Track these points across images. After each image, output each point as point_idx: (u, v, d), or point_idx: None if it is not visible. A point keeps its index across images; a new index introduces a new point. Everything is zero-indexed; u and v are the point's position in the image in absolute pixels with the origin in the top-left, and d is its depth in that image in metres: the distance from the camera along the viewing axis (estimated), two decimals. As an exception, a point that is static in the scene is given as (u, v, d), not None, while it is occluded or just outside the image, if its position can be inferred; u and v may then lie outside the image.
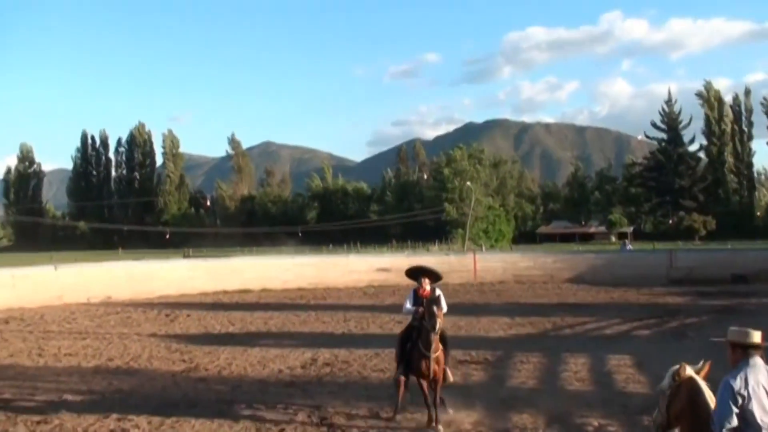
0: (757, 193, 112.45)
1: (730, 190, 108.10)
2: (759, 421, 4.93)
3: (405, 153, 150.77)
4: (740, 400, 4.97)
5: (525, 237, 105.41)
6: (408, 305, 11.03)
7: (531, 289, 31.34)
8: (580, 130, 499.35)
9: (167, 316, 24.44)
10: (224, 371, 14.78)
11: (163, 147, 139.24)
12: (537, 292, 30.41)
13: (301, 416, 10.95)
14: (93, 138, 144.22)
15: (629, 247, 54.56)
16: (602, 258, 38.70)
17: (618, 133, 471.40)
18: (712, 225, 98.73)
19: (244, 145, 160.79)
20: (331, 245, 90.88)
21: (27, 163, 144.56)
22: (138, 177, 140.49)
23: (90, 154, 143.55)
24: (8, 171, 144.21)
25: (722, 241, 78.30)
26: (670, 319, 21.45)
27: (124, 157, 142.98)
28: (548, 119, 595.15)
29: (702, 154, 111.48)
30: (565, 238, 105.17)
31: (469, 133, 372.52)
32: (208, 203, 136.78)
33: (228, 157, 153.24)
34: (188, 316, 24.36)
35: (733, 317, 20.34)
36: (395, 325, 21.02)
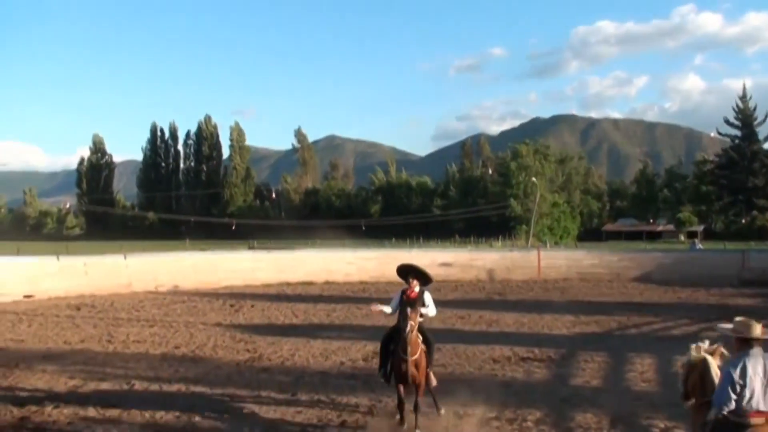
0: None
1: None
2: (755, 405, 5.70)
3: (469, 148, 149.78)
4: (738, 388, 5.68)
5: (590, 234, 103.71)
6: (391, 306, 10.75)
7: (596, 288, 30.83)
8: (650, 126, 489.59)
9: (232, 306, 24.84)
10: (287, 362, 14.93)
11: (230, 140, 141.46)
12: (602, 290, 29.90)
13: (362, 409, 11.00)
14: (162, 130, 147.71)
15: (699, 246, 53.15)
16: (670, 257, 37.80)
17: (689, 129, 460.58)
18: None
19: (310, 139, 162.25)
20: (393, 239, 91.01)
21: (99, 154, 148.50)
22: (205, 169, 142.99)
23: (159, 146, 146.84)
24: (81, 162, 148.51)
25: (797, 241, 75.77)
26: (741, 321, 20.81)
27: (192, 150, 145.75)
28: (616, 115, 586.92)
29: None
30: (632, 236, 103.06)
31: (534, 128, 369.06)
32: (274, 195, 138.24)
33: (293, 150, 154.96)
34: (252, 306, 24.72)
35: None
36: (457, 320, 21.02)
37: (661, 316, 21.80)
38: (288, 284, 32.13)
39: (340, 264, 34.75)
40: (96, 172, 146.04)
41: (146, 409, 10.98)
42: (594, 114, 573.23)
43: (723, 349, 6.92)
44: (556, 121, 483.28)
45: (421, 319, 9.88)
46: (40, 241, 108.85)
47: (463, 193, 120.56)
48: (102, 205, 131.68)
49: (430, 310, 10.29)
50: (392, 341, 10.15)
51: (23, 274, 27.24)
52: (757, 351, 5.80)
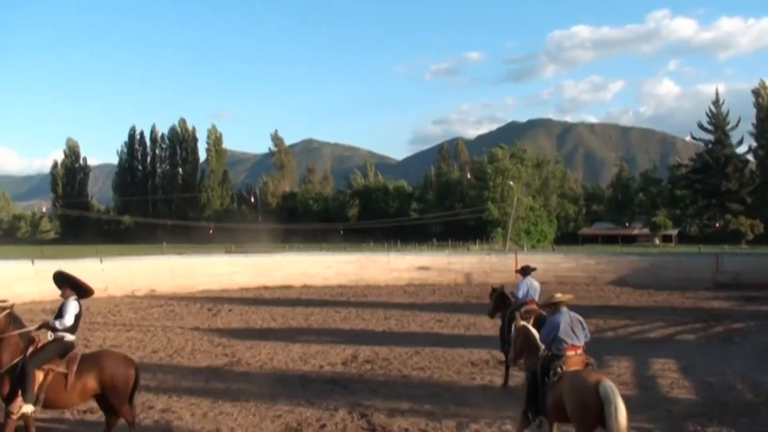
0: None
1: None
2: (568, 342, 8.32)
3: (446, 152, 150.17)
4: (555, 332, 8.38)
5: (567, 238, 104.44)
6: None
7: (573, 291, 30.82)
8: (625, 131, 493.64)
9: (210, 310, 24.73)
10: (266, 366, 14.89)
11: (207, 143, 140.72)
12: (579, 293, 29.99)
13: (341, 413, 11.01)
14: (141, 133, 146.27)
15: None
16: (646, 260, 38.13)
17: (663, 134, 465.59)
18: (760, 229, 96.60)
19: (287, 142, 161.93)
20: (371, 243, 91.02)
21: (73, 158, 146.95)
22: (181, 172, 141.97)
23: (136, 149, 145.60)
24: (55, 165, 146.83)
25: (770, 245, 76.66)
26: (715, 323, 21.07)
27: (167, 153, 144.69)
28: (592, 119, 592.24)
29: (750, 157, 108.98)
30: (608, 239, 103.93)
31: (511, 132, 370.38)
32: (253, 199, 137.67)
33: (270, 153, 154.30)
34: (230, 310, 24.63)
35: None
36: (435, 324, 21.09)
37: (637, 319, 22.02)
38: (266, 288, 32.06)
39: (319, 268, 34.76)
40: (71, 175, 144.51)
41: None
42: (570, 118, 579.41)
43: (539, 311, 11.56)
44: (533, 125, 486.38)
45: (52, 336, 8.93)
46: (14, 245, 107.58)
47: (440, 197, 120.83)
48: (77, 209, 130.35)
49: (57, 322, 8.98)
50: None
51: (-3, 278, 26.89)
52: (564, 310, 8.60)
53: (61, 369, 8.71)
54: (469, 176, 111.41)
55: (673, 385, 12.94)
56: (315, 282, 33.31)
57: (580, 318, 8.59)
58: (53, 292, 27.05)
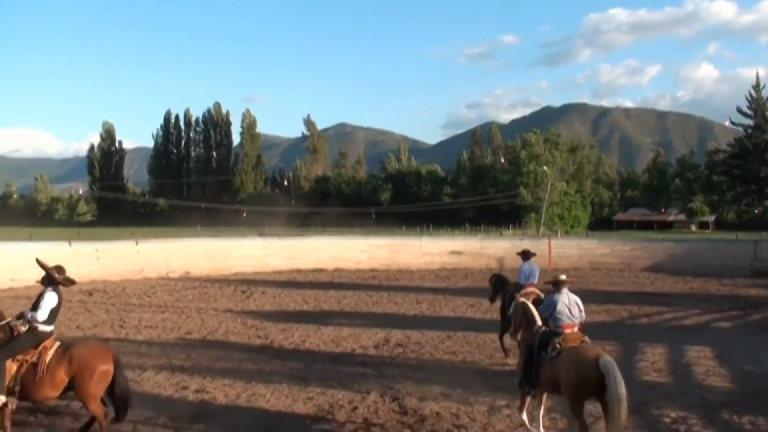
0: None
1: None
2: (565, 320, 8.82)
3: (480, 136, 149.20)
4: (554, 309, 8.89)
5: (601, 224, 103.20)
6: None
7: (607, 277, 30.77)
8: (662, 116, 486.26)
9: (243, 292, 24.94)
10: (298, 348, 14.99)
11: (242, 126, 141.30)
12: (613, 279, 29.84)
13: (373, 395, 11.04)
14: (176, 117, 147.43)
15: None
16: (682, 247, 37.55)
17: (701, 118, 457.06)
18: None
19: (319, 126, 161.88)
20: (404, 227, 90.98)
21: (109, 141, 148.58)
22: (215, 156, 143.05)
23: (171, 132, 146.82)
24: (92, 148, 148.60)
25: (810, 232, 75.21)
26: (752, 311, 20.72)
27: (201, 137, 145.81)
28: (628, 104, 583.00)
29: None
30: (643, 225, 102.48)
31: (545, 116, 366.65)
32: (286, 183, 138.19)
33: (303, 137, 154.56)
34: (263, 293, 24.80)
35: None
36: (468, 309, 21.05)
37: (672, 306, 21.74)
38: (298, 271, 32.21)
39: (351, 251, 34.82)
40: (107, 158, 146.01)
41: (159, 393, 11.07)
42: (605, 103, 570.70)
43: (538, 292, 12.86)
44: (568, 109, 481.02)
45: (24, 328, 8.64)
46: (52, 227, 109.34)
47: (473, 182, 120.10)
48: (113, 192, 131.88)
49: (30, 314, 8.59)
50: None
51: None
52: (565, 290, 9.06)
53: (33, 359, 8.36)
54: (502, 161, 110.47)
55: (709, 372, 12.76)
56: (347, 266, 33.39)
57: (578, 300, 9.10)
58: (90, 274, 27.71)
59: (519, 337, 10.11)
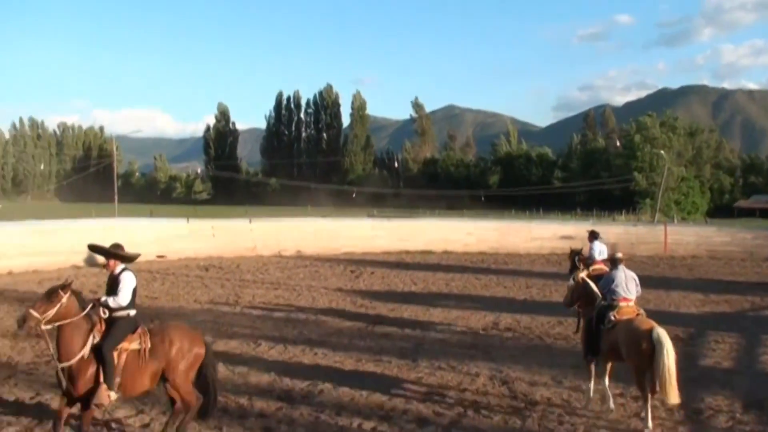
0: None
1: None
2: (622, 294, 9.36)
3: (592, 119, 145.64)
4: (612, 285, 9.43)
5: (721, 211, 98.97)
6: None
7: (727, 266, 29.50)
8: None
9: (352, 272, 25.28)
10: (407, 328, 15.05)
11: (352, 108, 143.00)
12: (734, 269, 28.57)
13: (482, 378, 10.97)
14: (288, 99, 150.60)
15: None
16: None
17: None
18: None
19: (428, 109, 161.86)
20: (513, 211, 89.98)
21: (224, 122, 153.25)
22: (325, 137, 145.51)
23: (283, 114, 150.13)
24: (208, 129, 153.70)
25: None
26: None
27: (312, 118, 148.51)
28: (752, 85, 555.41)
29: None
30: (767, 213, 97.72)
31: (662, 99, 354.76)
32: (396, 164, 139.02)
33: (411, 120, 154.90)
34: (372, 273, 25.07)
35: None
36: (579, 295, 20.54)
37: (799, 298, 20.63)
38: (407, 252, 32.35)
39: (460, 234, 34.66)
40: (221, 139, 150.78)
41: (272, 368, 11.34)
42: (727, 84, 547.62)
43: (605, 269, 13.01)
44: (686, 91, 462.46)
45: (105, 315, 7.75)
46: (170, 204, 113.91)
47: (584, 166, 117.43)
48: (227, 171, 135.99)
49: (112, 300, 7.74)
50: None
51: (156, 235, 28.50)
52: (621, 267, 9.63)
53: (135, 345, 7.68)
54: (618, 144, 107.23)
55: (840, 369, 12.06)
56: (455, 248, 33.28)
57: (635, 276, 9.71)
58: (207, 250, 28.70)
59: (573, 307, 11.14)
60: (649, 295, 19.68)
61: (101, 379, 7.43)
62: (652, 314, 16.42)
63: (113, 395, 7.53)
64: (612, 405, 9.38)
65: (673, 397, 8.35)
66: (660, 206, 79.11)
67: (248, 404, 9.49)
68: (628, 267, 9.90)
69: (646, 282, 21.69)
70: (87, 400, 7.46)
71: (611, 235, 34.17)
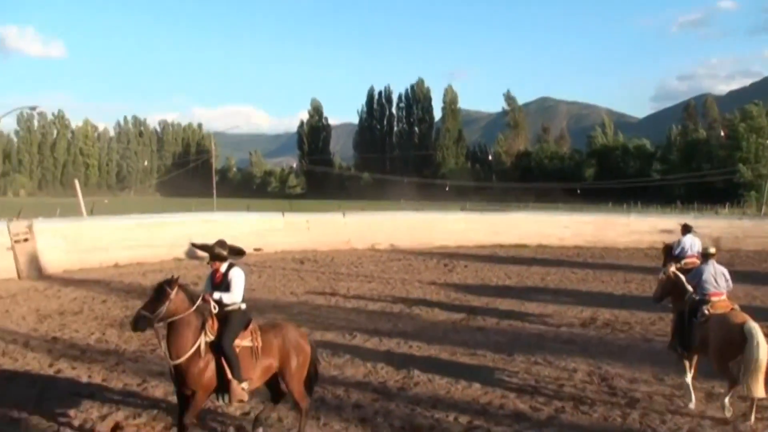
0: None
1: None
2: (712, 289, 9.37)
3: (693, 109, 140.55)
4: (703, 279, 9.46)
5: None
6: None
7: (842, 263, 28.01)
8: None
9: (446, 265, 25.21)
10: (502, 322, 14.93)
11: (443, 102, 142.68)
12: None
13: (580, 374, 10.79)
14: (380, 94, 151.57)
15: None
16: None
17: None
18: None
19: (521, 101, 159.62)
20: (610, 204, 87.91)
21: (317, 118, 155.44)
22: (417, 131, 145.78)
23: (375, 109, 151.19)
24: (301, 124, 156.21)
25: None
26: None
27: (404, 113, 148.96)
28: None
29: None
30: None
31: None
32: (490, 157, 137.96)
33: (504, 112, 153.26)
34: (466, 266, 24.93)
35: None
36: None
37: None
38: (501, 246, 32.04)
39: (555, 228, 34.07)
40: (315, 134, 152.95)
41: (368, 360, 11.43)
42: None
43: (697, 262, 12.71)
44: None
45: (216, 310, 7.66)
46: (265, 198, 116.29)
47: (685, 157, 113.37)
48: (320, 166, 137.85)
49: (226, 296, 7.72)
50: None
51: (253, 228, 29.11)
52: (711, 261, 9.63)
53: (246, 342, 7.62)
54: (722, 134, 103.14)
55: None
56: (550, 242, 32.75)
57: (725, 271, 9.63)
58: (301, 243, 29.17)
59: (667, 301, 10.84)
60: (756, 292, 18.96)
61: (229, 376, 7.38)
62: (761, 311, 15.85)
63: (246, 386, 7.51)
64: (693, 399, 9.32)
65: (758, 390, 8.29)
66: (767, 199, 75.80)
67: (345, 395, 9.61)
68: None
69: (753, 278, 20.79)
70: (194, 398, 7.40)
71: (715, 229, 33.10)
